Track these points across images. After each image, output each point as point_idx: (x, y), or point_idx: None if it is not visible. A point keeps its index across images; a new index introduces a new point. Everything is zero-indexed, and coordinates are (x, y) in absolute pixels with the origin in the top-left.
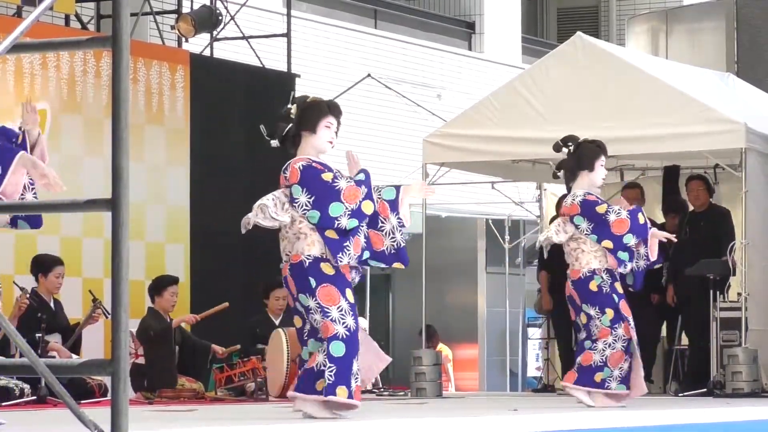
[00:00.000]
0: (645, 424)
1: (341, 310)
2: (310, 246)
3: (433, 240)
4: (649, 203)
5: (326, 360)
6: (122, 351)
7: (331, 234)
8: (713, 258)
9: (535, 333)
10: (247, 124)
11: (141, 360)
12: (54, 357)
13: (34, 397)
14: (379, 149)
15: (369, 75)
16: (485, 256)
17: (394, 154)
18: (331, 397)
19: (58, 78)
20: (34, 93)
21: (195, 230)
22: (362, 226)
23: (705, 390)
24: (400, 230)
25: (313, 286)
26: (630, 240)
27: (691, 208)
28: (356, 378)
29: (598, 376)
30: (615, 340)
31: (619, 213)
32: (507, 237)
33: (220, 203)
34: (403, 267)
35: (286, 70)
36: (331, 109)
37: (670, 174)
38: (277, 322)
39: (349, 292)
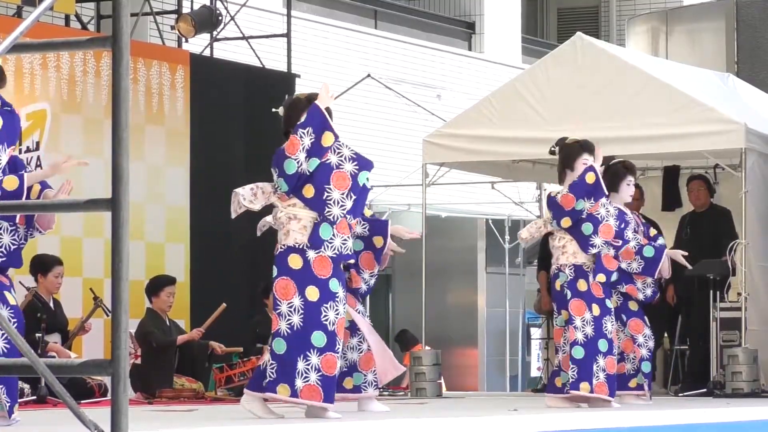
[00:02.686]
0: (645, 424)
1: (291, 306)
2: (286, 236)
3: (433, 240)
4: (650, 203)
5: (269, 357)
6: (122, 351)
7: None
8: (713, 258)
9: (536, 333)
10: (247, 124)
11: (140, 360)
12: (54, 357)
13: (34, 397)
14: (379, 149)
15: (369, 75)
16: (485, 256)
17: (394, 154)
18: (269, 394)
19: (58, 78)
20: (34, 93)
21: (195, 230)
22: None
23: (705, 390)
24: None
25: (273, 276)
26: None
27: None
28: (305, 377)
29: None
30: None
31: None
32: (507, 237)
33: (220, 203)
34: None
35: (286, 70)
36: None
37: (670, 174)
38: None
39: (310, 290)
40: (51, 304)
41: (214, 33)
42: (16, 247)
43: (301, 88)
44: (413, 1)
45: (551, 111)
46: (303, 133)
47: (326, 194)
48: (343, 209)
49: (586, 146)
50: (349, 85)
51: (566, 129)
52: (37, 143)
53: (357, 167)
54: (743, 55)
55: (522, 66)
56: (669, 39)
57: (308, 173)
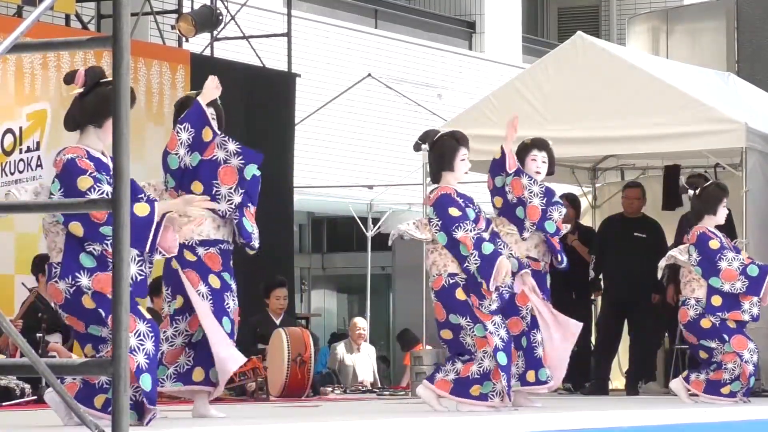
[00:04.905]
0: (645, 424)
1: (495, 324)
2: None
3: None
4: (650, 203)
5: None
6: (122, 351)
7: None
8: None
9: None
10: (247, 124)
11: None
12: (54, 357)
13: (35, 397)
14: (380, 149)
15: (369, 75)
16: None
17: (394, 153)
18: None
19: (58, 78)
20: (34, 93)
21: None
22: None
23: None
24: None
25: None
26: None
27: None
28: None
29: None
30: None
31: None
32: None
33: None
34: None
35: (286, 70)
36: (461, 141)
37: (671, 173)
38: (277, 322)
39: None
40: (52, 304)
41: (215, 32)
42: (142, 277)
43: (302, 88)
44: (414, 1)
45: (552, 110)
46: (180, 128)
47: (214, 189)
48: (231, 204)
49: (726, 190)
50: (350, 84)
51: (566, 128)
52: (38, 143)
53: (243, 161)
54: (743, 55)
55: (522, 65)
56: (669, 38)
57: (191, 167)
